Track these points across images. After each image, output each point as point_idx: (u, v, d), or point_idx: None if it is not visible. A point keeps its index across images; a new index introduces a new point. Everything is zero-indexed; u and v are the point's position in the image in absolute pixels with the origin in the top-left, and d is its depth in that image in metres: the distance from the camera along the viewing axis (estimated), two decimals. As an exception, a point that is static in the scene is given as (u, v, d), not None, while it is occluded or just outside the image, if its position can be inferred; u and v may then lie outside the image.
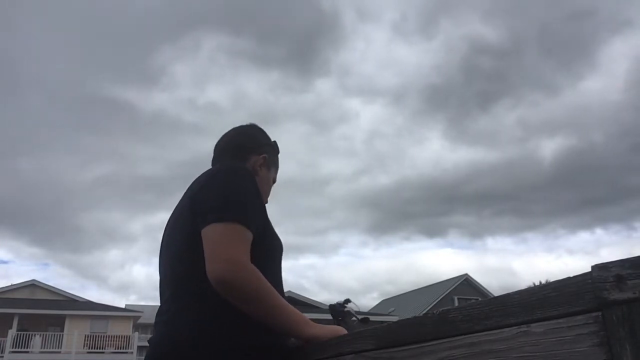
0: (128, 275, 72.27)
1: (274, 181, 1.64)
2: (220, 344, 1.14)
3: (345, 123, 61.12)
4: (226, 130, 1.63)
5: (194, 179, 1.40)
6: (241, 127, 1.63)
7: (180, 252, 1.25)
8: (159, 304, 1.31)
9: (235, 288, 1.10)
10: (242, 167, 1.37)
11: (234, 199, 1.21)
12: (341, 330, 1.27)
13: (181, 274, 1.23)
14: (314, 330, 1.20)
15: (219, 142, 1.61)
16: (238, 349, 1.15)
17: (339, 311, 1.74)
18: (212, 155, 1.61)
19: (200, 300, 1.17)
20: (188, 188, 1.38)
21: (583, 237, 67.93)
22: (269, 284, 1.15)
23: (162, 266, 1.34)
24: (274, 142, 1.64)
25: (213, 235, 1.14)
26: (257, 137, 1.61)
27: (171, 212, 1.43)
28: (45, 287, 31.19)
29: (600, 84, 56.62)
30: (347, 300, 1.70)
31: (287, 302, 1.21)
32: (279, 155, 1.66)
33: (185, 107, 54.13)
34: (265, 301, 1.14)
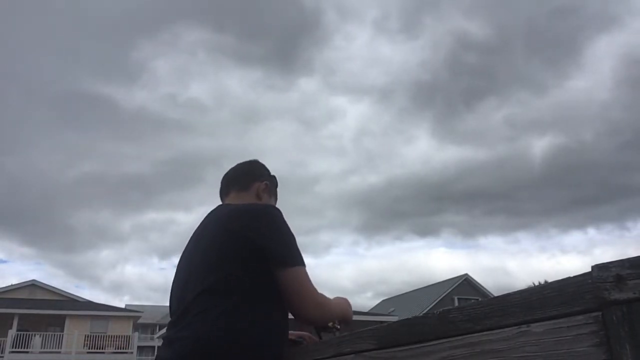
0: (120, 275, 72.40)
1: None
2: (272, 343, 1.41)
3: (333, 122, 60.76)
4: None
5: (215, 211, 1.64)
6: (245, 161, 1.91)
7: (214, 269, 1.44)
8: (175, 310, 1.48)
9: (319, 323, 1.57)
10: (276, 207, 1.59)
11: (295, 245, 1.51)
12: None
13: (221, 284, 1.40)
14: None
15: (226, 175, 1.87)
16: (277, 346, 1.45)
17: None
18: (219, 183, 1.85)
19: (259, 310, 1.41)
20: (217, 218, 1.60)
21: (576, 236, 66.80)
22: (331, 302, 1.57)
23: (190, 282, 1.47)
24: (273, 175, 1.89)
25: (299, 278, 1.46)
26: (258, 168, 1.88)
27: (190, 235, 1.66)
28: (45, 287, 31.13)
29: (587, 83, 55.63)
30: None
31: (337, 302, 1.62)
32: (278, 189, 1.90)
33: (167, 104, 52.96)
34: (334, 316, 1.58)
